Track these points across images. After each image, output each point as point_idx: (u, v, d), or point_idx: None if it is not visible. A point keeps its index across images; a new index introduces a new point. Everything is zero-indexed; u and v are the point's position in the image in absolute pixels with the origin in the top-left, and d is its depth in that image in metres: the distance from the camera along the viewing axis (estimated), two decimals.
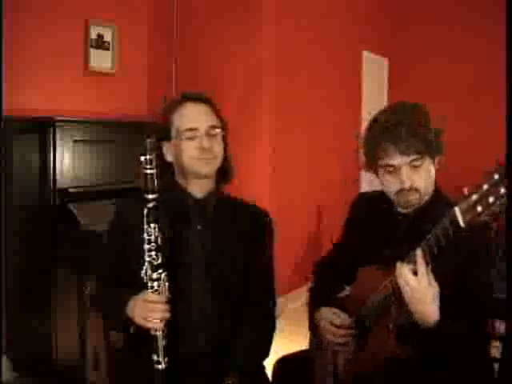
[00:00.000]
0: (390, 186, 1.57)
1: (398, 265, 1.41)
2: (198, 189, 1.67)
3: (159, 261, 1.52)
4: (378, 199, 1.72)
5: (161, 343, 1.52)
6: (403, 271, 1.40)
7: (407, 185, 1.53)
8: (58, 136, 2.95)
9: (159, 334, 1.52)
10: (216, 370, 1.61)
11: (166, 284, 1.53)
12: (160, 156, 1.65)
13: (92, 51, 3.75)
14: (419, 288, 1.38)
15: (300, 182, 4.54)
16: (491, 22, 5.17)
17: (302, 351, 1.96)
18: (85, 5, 3.70)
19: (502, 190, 1.16)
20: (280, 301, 3.30)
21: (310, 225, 4.78)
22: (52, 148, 2.94)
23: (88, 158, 3.12)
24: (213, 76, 4.05)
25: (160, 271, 1.52)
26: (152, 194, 1.51)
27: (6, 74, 3.09)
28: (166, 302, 1.52)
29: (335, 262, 1.89)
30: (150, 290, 1.52)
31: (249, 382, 1.63)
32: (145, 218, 1.52)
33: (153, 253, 1.51)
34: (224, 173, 1.71)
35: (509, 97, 1.78)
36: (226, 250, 1.65)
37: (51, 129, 2.93)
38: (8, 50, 3.14)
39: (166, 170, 1.67)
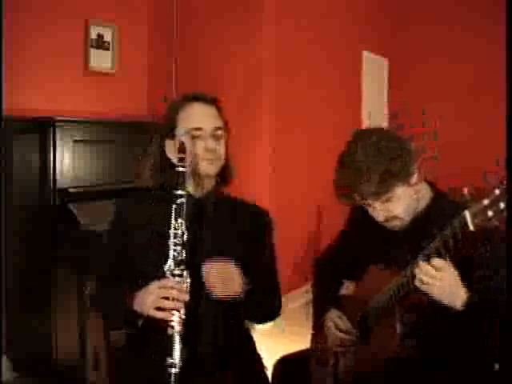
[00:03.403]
0: (374, 216, 1.59)
1: (419, 264, 1.40)
2: (198, 189, 1.67)
3: (183, 257, 1.52)
4: None
5: (177, 344, 1.49)
6: (425, 268, 1.39)
7: (382, 218, 1.56)
8: (58, 136, 2.94)
9: (176, 332, 1.48)
10: (217, 370, 1.61)
11: (188, 281, 1.52)
12: (162, 154, 1.66)
13: (92, 51, 3.74)
14: (446, 276, 1.38)
15: (300, 182, 4.53)
16: (491, 22, 5.17)
17: (301, 351, 1.96)
18: (85, 5, 3.70)
19: None
20: None
21: (310, 225, 4.77)
22: (52, 148, 2.94)
23: (88, 157, 3.12)
24: (213, 76, 4.05)
25: (182, 267, 1.52)
26: (180, 190, 1.53)
27: (6, 74, 3.09)
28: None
29: (335, 261, 1.89)
30: None
31: (249, 380, 1.63)
32: (173, 213, 1.53)
33: (178, 247, 1.52)
34: (224, 174, 1.71)
35: (509, 97, 1.78)
36: (226, 250, 1.65)
37: (51, 129, 2.93)
38: (8, 50, 3.14)
39: (168, 168, 1.67)
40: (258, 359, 1.76)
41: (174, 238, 1.52)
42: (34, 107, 3.36)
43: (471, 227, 1.27)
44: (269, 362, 1.84)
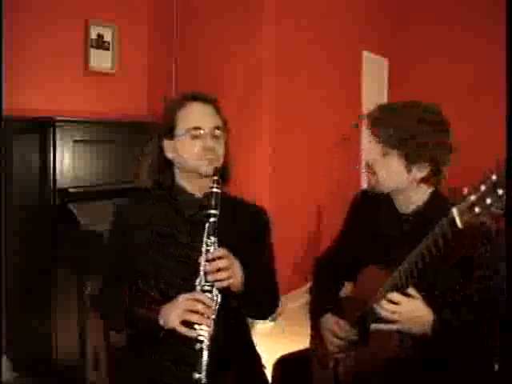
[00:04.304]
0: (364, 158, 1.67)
1: (390, 296, 1.47)
2: (197, 188, 1.67)
3: None
4: (380, 197, 1.73)
5: (205, 359, 1.45)
6: (395, 298, 1.47)
7: (365, 159, 1.63)
8: (57, 136, 2.94)
9: (204, 347, 1.45)
10: (217, 370, 1.61)
11: (219, 297, 1.51)
12: (161, 154, 1.66)
13: (92, 51, 3.74)
14: (405, 308, 1.46)
15: (300, 182, 4.53)
16: (491, 21, 5.16)
17: (301, 351, 1.96)
18: (85, 5, 3.70)
19: (500, 192, 1.16)
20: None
21: (310, 225, 4.77)
22: (52, 148, 2.94)
23: (88, 157, 3.12)
24: (213, 76, 4.05)
25: (212, 284, 1.50)
26: (214, 210, 1.53)
27: (6, 74, 3.09)
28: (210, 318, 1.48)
29: (336, 262, 1.89)
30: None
31: (248, 380, 1.63)
32: (205, 231, 1.53)
33: (207, 263, 1.50)
34: (223, 174, 1.71)
35: (509, 97, 1.78)
36: (217, 240, 1.64)
37: (51, 129, 2.93)
38: (8, 50, 3.14)
39: (166, 167, 1.68)
40: (257, 359, 1.76)
41: (206, 254, 1.51)
42: (34, 107, 3.36)
43: (459, 224, 1.26)
44: (269, 361, 1.84)
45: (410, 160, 1.56)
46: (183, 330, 1.48)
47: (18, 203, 3.10)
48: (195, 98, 1.67)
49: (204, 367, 1.45)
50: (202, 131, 1.62)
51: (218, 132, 1.65)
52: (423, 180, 1.59)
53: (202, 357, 1.45)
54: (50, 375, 3.01)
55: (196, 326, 1.47)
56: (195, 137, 1.62)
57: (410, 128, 1.54)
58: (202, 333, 1.46)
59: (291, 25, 4.32)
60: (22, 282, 3.14)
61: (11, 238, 3.10)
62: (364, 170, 1.65)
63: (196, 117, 1.64)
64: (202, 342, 1.46)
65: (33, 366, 3.14)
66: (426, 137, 1.54)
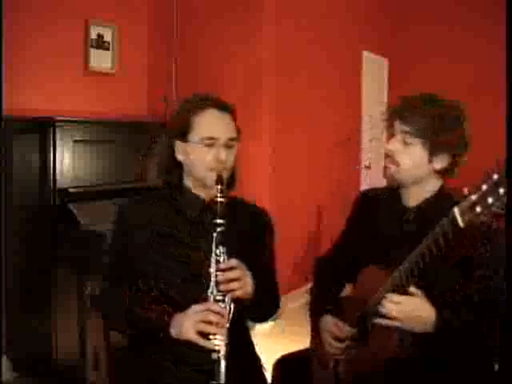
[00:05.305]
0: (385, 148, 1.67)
1: (390, 297, 1.48)
2: (202, 191, 1.67)
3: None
4: (382, 196, 1.73)
5: (223, 367, 1.45)
6: (396, 298, 1.47)
7: (387, 149, 1.64)
8: (57, 136, 2.94)
9: (221, 356, 1.45)
10: None
11: (231, 306, 1.50)
12: (171, 154, 1.65)
13: (92, 51, 3.75)
14: (406, 307, 1.46)
15: (300, 182, 4.54)
16: (491, 21, 5.17)
17: (301, 351, 1.96)
18: (85, 5, 3.70)
19: (501, 191, 1.16)
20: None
21: (310, 225, 4.77)
22: (52, 148, 2.94)
23: (88, 157, 3.12)
24: (213, 76, 4.05)
25: (224, 293, 1.50)
26: (221, 219, 1.52)
27: (6, 74, 3.09)
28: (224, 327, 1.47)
29: (336, 262, 1.89)
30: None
31: (248, 380, 1.63)
32: (214, 241, 1.52)
33: (219, 273, 1.50)
34: (229, 181, 1.69)
35: (509, 97, 1.79)
36: (226, 250, 1.64)
37: (51, 129, 2.93)
38: (8, 50, 3.14)
39: (175, 167, 1.67)
40: (257, 360, 1.76)
41: (216, 263, 1.51)
42: (34, 107, 3.36)
43: (461, 224, 1.27)
44: (269, 362, 1.84)
45: (432, 150, 1.58)
46: (200, 341, 1.47)
47: (18, 203, 3.10)
48: (213, 103, 1.64)
49: (223, 376, 1.45)
50: (216, 141, 1.60)
51: (232, 143, 1.63)
52: (440, 172, 1.62)
53: (220, 366, 1.45)
54: (50, 375, 3.01)
55: (211, 336, 1.46)
56: (209, 145, 1.60)
57: (435, 118, 1.57)
58: (217, 342, 1.46)
59: (291, 25, 4.33)
60: (22, 282, 3.14)
61: (11, 237, 3.10)
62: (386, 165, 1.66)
63: (213, 126, 1.61)
64: (219, 351, 1.46)
65: (33, 366, 3.14)
66: (449, 129, 1.58)
